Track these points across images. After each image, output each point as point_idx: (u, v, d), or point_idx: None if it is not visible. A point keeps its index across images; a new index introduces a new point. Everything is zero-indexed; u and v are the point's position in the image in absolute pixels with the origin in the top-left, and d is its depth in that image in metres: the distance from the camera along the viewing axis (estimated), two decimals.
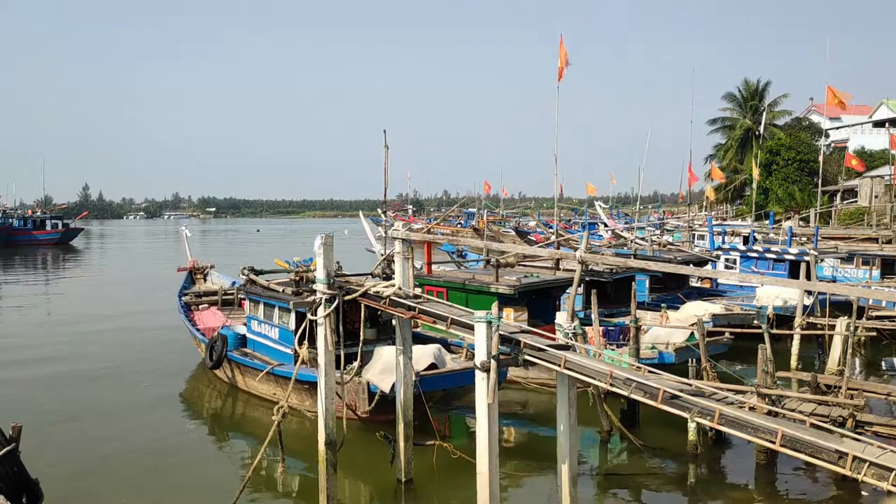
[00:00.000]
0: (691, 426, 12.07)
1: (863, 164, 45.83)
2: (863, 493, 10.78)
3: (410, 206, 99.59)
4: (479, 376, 8.45)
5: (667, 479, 12.10)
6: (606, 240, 34.19)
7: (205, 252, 49.23)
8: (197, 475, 12.34)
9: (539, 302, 17.97)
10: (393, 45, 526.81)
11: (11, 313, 30.64)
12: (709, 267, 25.54)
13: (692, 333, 16.27)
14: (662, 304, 19.27)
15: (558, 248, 21.69)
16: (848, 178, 52.55)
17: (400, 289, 10.62)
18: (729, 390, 10.07)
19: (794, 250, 25.92)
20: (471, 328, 8.78)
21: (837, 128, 64.88)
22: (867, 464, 6.33)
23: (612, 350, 15.22)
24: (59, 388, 17.48)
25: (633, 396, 8.00)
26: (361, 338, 11.28)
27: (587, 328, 14.49)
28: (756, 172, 42.28)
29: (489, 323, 8.34)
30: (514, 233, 47.65)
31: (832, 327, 17.59)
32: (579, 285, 14.41)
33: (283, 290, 14.77)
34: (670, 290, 22.70)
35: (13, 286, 40.45)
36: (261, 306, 16.29)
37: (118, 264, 58.03)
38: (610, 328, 17.02)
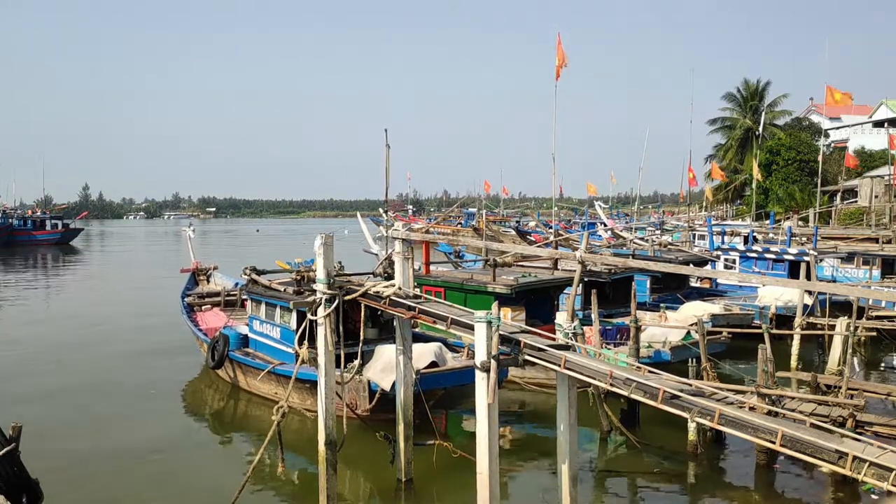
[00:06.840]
0: (691, 426, 12.09)
1: (855, 162, 45.99)
2: (862, 495, 10.80)
3: (410, 206, 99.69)
4: (480, 376, 8.45)
5: (667, 478, 12.10)
6: (606, 240, 34.18)
7: (204, 252, 49.16)
8: (198, 474, 12.36)
9: (537, 302, 17.98)
10: (393, 45, 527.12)
11: (12, 313, 30.63)
12: (709, 267, 25.54)
13: (688, 333, 16.29)
14: (661, 305, 19.27)
15: (556, 248, 21.66)
16: (848, 178, 52.57)
17: (400, 289, 10.63)
18: (729, 390, 10.07)
19: (793, 250, 25.92)
20: (471, 328, 8.77)
21: (837, 128, 64.94)
22: (867, 464, 6.33)
23: (609, 349, 15.23)
24: (59, 388, 17.46)
25: (634, 396, 8.00)
26: (362, 337, 11.29)
27: (586, 328, 14.50)
28: (756, 172, 42.29)
29: (489, 323, 8.34)
30: (514, 232, 47.62)
31: (832, 327, 17.60)
32: (578, 285, 14.42)
33: (285, 290, 14.78)
34: (670, 291, 22.69)
35: (13, 286, 40.43)
36: (262, 306, 16.31)
37: (119, 265, 58.03)
38: (607, 328, 17.03)
